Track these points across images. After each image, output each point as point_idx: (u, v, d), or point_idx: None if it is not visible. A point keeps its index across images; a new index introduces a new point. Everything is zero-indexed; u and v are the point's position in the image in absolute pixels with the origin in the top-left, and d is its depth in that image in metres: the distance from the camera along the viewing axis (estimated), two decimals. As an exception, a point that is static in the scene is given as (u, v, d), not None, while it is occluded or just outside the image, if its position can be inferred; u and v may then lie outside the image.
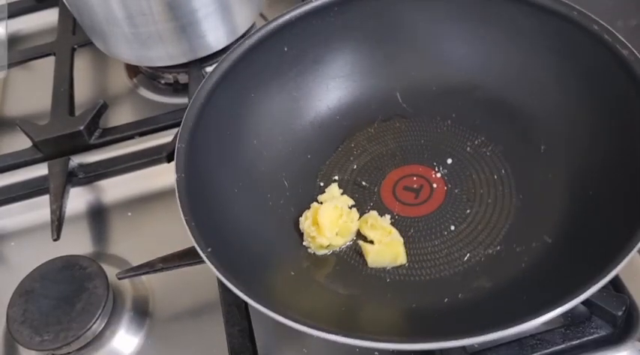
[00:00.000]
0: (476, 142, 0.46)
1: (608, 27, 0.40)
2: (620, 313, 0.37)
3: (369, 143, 0.49)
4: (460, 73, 0.48)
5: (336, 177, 0.47)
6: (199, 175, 0.41)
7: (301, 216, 0.44)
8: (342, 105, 0.50)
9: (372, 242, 0.42)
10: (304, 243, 0.43)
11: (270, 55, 0.47)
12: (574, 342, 0.37)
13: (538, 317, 0.30)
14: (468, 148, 0.46)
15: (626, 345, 0.38)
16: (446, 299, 0.39)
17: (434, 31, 0.48)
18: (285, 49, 0.48)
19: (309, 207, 0.44)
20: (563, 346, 0.37)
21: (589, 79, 0.42)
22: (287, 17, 0.47)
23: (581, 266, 0.34)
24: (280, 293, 0.38)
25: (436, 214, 0.43)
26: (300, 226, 0.43)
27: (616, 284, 0.39)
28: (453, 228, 0.42)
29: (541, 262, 0.39)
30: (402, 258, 0.41)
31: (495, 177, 0.44)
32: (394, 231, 0.42)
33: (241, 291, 0.33)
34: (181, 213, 0.37)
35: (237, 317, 0.35)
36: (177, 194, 0.38)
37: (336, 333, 0.31)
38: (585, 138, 0.42)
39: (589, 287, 0.31)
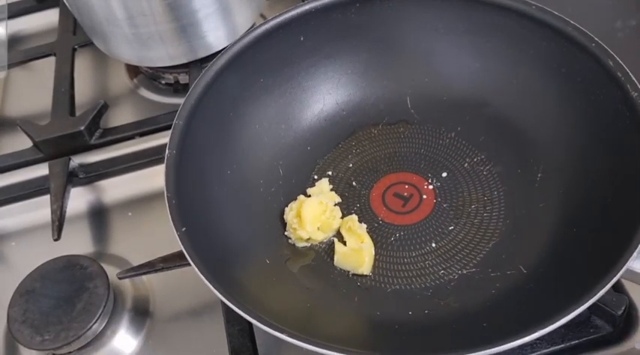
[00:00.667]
0: (475, 159, 0.46)
1: (622, 64, 0.39)
2: (619, 313, 0.37)
3: (370, 144, 0.49)
4: (472, 87, 0.48)
5: (330, 173, 0.47)
6: (192, 153, 0.41)
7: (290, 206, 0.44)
8: (350, 101, 0.50)
9: (345, 243, 0.42)
10: (286, 233, 0.43)
11: (286, 42, 0.47)
12: (573, 342, 0.38)
13: (482, 350, 0.30)
14: (466, 164, 0.46)
15: (625, 345, 0.38)
16: (410, 312, 0.39)
17: (451, 42, 0.48)
18: (302, 38, 0.47)
19: (296, 199, 0.44)
20: (562, 346, 0.37)
21: (595, 114, 0.41)
22: (307, 7, 0.46)
23: (547, 305, 0.34)
24: (251, 281, 0.39)
25: (420, 225, 0.43)
26: (285, 216, 0.44)
27: (615, 284, 0.39)
28: (433, 243, 0.42)
29: (511, 291, 0.39)
30: (365, 268, 0.41)
31: (486, 197, 0.44)
32: (367, 240, 0.42)
33: (205, 276, 0.33)
34: (165, 189, 0.37)
35: (238, 316, 0.35)
36: (164, 170, 0.38)
37: (292, 336, 0.31)
38: (583, 173, 0.41)
39: (539, 330, 0.30)
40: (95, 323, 0.39)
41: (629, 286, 0.39)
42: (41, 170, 0.51)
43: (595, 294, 0.31)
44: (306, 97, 0.49)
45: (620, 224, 0.35)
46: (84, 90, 0.60)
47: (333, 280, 0.41)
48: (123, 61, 0.60)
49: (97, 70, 0.63)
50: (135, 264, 0.42)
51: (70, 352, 0.40)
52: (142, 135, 0.53)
